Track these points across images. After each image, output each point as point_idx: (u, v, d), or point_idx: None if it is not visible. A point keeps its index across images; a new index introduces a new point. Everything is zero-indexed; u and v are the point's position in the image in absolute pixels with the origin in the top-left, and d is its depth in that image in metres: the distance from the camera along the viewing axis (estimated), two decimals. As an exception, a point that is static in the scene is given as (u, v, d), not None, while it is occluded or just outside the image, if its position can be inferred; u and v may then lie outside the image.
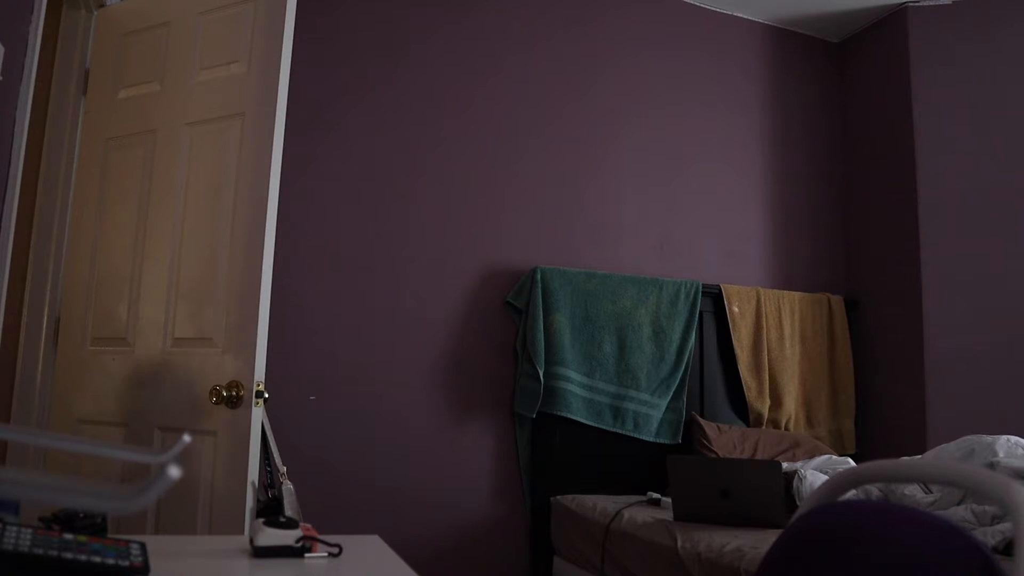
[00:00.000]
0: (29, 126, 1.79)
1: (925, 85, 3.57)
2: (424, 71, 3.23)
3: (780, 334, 3.53)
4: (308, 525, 1.14)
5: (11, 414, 2.21)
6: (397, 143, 3.14)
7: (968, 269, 3.40)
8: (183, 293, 2.07)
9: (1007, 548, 1.73)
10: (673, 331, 3.31)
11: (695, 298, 3.37)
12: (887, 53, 3.77)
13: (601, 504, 2.74)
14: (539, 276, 3.14)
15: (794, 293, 3.63)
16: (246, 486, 1.81)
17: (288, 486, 1.93)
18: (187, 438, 0.70)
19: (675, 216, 3.57)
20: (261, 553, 1.07)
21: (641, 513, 2.54)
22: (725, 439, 3.18)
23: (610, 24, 3.58)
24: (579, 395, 3.11)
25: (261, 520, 1.10)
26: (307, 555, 1.07)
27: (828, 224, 3.90)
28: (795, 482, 2.48)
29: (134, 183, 2.23)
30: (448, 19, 3.30)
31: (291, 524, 1.09)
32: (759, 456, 3.13)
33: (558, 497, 3.01)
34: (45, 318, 2.29)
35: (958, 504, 2.07)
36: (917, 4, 3.65)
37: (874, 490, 2.23)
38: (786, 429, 3.44)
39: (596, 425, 3.12)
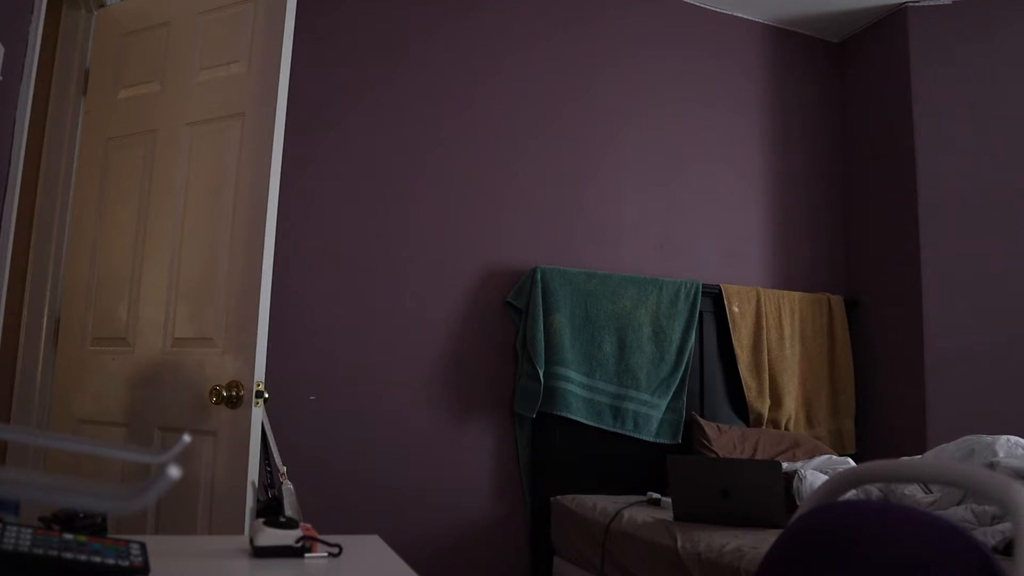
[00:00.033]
0: (29, 126, 1.79)
1: (925, 85, 3.57)
2: (424, 71, 3.23)
3: (780, 334, 3.53)
4: (308, 525, 1.14)
5: (11, 414, 2.21)
6: (397, 143, 3.14)
7: (968, 269, 3.40)
8: (183, 293, 2.07)
9: (1007, 548, 1.73)
10: (673, 331, 3.31)
11: (695, 298, 3.37)
12: (887, 53, 3.77)
13: (601, 504, 2.74)
14: (539, 276, 3.14)
15: (794, 293, 3.63)
16: (246, 486, 1.81)
17: (288, 486, 1.93)
18: (187, 438, 0.70)
19: (675, 216, 3.57)
20: (261, 553, 1.07)
21: (641, 513, 2.54)
22: (725, 439, 3.18)
23: (610, 24, 3.58)
24: (579, 395, 3.11)
25: (261, 520, 1.10)
26: (307, 555, 1.07)
27: (828, 224, 3.90)
28: (795, 482, 2.48)
29: (134, 183, 2.23)
30: (448, 19, 3.30)
31: (291, 524, 1.09)
32: (759, 456, 3.13)
33: (558, 497, 3.01)
34: (45, 318, 2.29)
35: (958, 504, 2.07)
36: (917, 4, 3.65)
37: (874, 490, 2.23)
38: (786, 429, 3.44)
39: (596, 425, 3.12)
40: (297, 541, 1.08)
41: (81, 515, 1.00)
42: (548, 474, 3.08)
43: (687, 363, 3.30)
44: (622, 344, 3.22)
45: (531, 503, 3.09)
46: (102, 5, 2.45)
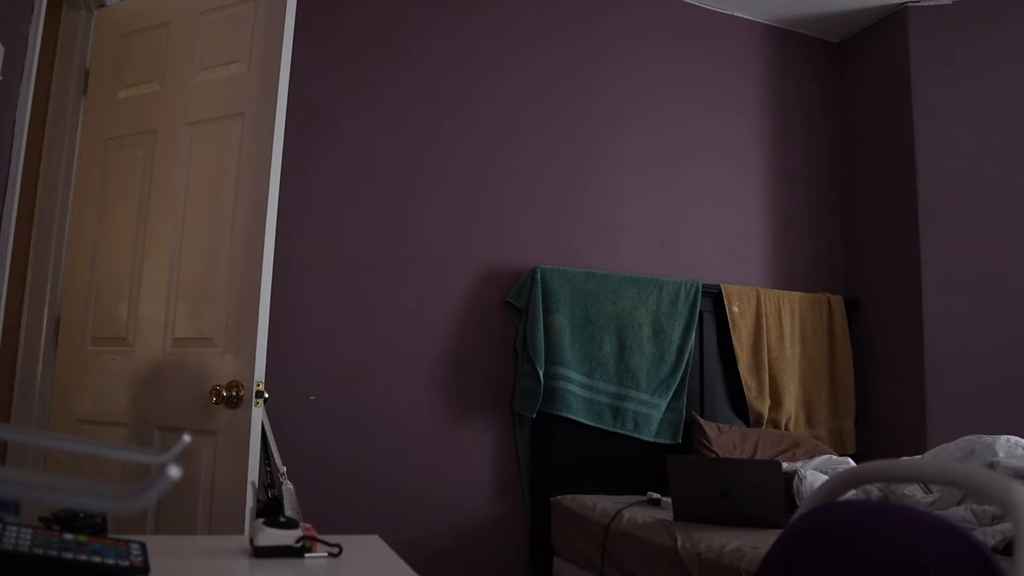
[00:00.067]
0: (29, 126, 1.79)
1: (925, 85, 3.57)
2: (424, 71, 3.23)
3: (780, 334, 3.53)
4: (308, 525, 1.13)
5: (11, 414, 2.21)
6: (397, 143, 3.14)
7: (968, 269, 3.40)
8: (183, 293, 2.07)
9: (1007, 548, 1.73)
10: (673, 331, 3.31)
11: (695, 298, 3.37)
12: (887, 53, 3.77)
13: (601, 504, 2.74)
14: (539, 276, 3.14)
15: (794, 293, 3.63)
16: (246, 486, 1.81)
17: (288, 486, 1.93)
18: (187, 438, 0.70)
19: (675, 216, 3.57)
20: (261, 553, 1.07)
21: (641, 513, 2.54)
22: (725, 439, 3.18)
23: (610, 24, 3.58)
24: (579, 395, 3.11)
25: (261, 520, 1.10)
26: (307, 555, 1.07)
27: (828, 224, 3.90)
28: (795, 482, 2.48)
29: (134, 183, 2.23)
30: (448, 19, 3.30)
31: (291, 524, 1.09)
32: (759, 456, 3.13)
33: (558, 497, 3.01)
34: (45, 318, 2.29)
35: (958, 504, 2.07)
36: (917, 4, 3.65)
37: (874, 490, 2.23)
38: (786, 429, 3.44)
39: (596, 425, 3.12)
40: (297, 541, 1.07)
41: (81, 515, 1.00)
42: (548, 474, 3.08)
43: (687, 363, 3.30)
44: (622, 344, 3.22)
45: (531, 503, 3.09)
46: (102, 5, 2.45)
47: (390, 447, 2.95)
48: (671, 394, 3.25)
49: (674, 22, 3.72)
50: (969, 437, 2.33)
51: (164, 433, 2.02)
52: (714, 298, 3.48)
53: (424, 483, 2.98)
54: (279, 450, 2.06)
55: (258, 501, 1.83)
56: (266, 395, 1.90)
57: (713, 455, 3.10)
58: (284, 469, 2.02)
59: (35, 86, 1.79)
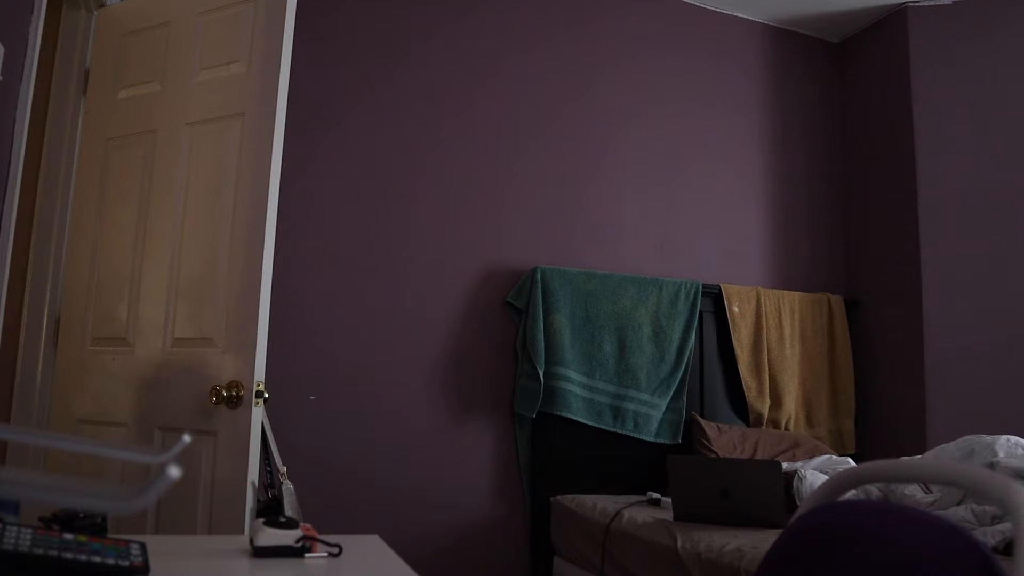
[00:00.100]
0: (29, 126, 1.79)
1: (925, 85, 3.58)
2: (424, 71, 3.23)
3: (780, 334, 3.53)
4: (308, 525, 1.13)
5: (11, 414, 2.21)
6: (397, 143, 3.14)
7: (968, 269, 3.40)
8: (183, 293, 2.07)
9: (1007, 548, 1.73)
10: (673, 331, 3.31)
11: (695, 298, 3.37)
12: (887, 53, 3.77)
13: (601, 504, 2.74)
14: (539, 276, 3.14)
15: (794, 293, 3.63)
16: (246, 486, 1.81)
17: (288, 486, 1.93)
18: (187, 438, 0.70)
19: (675, 216, 3.57)
20: (261, 553, 1.07)
21: (641, 513, 2.54)
22: (725, 439, 3.18)
23: (610, 24, 3.58)
24: (579, 395, 3.11)
25: (261, 520, 1.10)
26: (307, 555, 1.07)
27: (828, 224, 3.90)
28: (795, 482, 2.48)
29: (134, 183, 2.23)
30: (448, 19, 3.30)
31: (291, 524, 1.09)
32: (759, 456, 3.13)
33: (558, 497, 3.01)
34: (45, 318, 2.29)
35: (958, 504, 2.07)
36: (917, 4, 3.65)
37: (874, 490, 2.23)
38: (786, 429, 3.44)
39: (596, 425, 3.12)
40: (297, 541, 1.07)
41: (81, 515, 1.00)
42: (548, 474, 3.08)
43: (687, 363, 3.30)
44: (622, 344, 3.22)
45: (531, 503, 3.09)
46: (102, 5, 2.45)
47: (390, 447, 2.95)
48: (671, 394, 3.25)
49: (674, 22, 3.72)
50: (969, 437, 2.33)
51: (164, 433, 2.02)
52: (714, 298, 3.48)
53: (424, 483, 2.98)
54: (279, 450, 2.06)
55: (258, 501, 1.83)
56: (266, 395, 1.90)
57: (713, 455, 3.10)
58: (284, 469, 2.02)
59: (35, 86, 1.79)
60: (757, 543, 1.96)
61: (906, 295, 3.49)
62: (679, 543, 2.17)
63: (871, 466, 1.01)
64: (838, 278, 3.87)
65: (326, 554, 1.08)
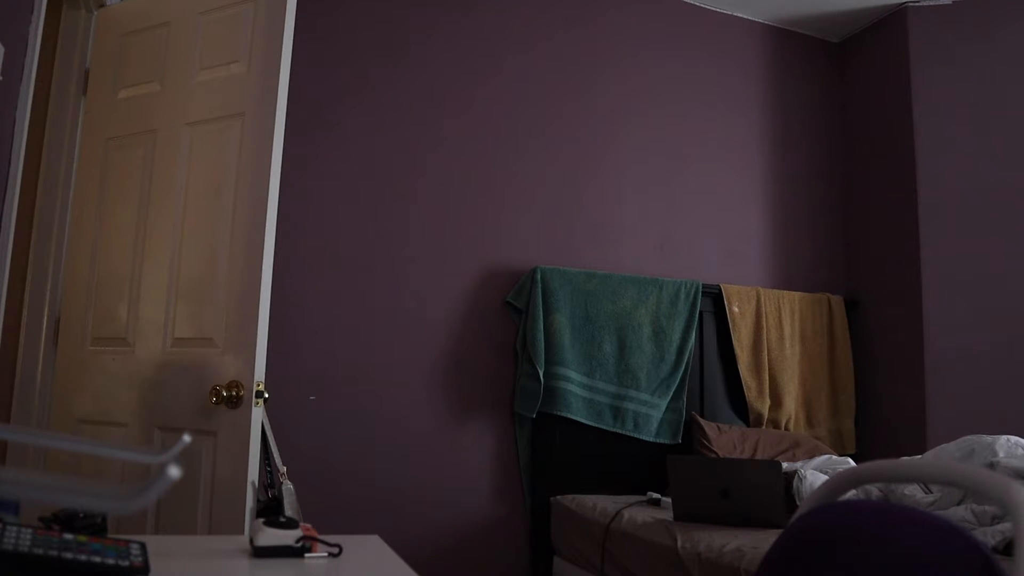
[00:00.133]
0: (29, 126, 1.79)
1: (925, 85, 3.58)
2: (424, 71, 3.23)
3: (780, 334, 3.53)
4: (308, 525, 1.13)
5: (11, 414, 2.21)
6: (397, 143, 3.14)
7: (968, 269, 3.40)
8: (183, 293, 2.07)
9: (1007, 548, 1.73)
10: (673, 331, 3.31)
11: (695, 298, 3.37)
12: (887, 53, 3.77)
13: (601, 504, 2.74)
14: (539, 276, 3.14)
15: (794, 293, 3.63)
16: (246, 486, 1.81)
17: (288, 486, 1.93)
18: (187, 438, 0.70)
19: (675, 216, 3.57)
20: (261, 553, 1.07)
21: (641, 513, 2.54)
22: (725, 439, 3.18)
23: (610, 24, 3.58)
24: (579, 395, 3.11)
25: (261, 520, 1.10)
26: (307, 555, 1.07)
27: (828, 224, 3.90)
28: (795, 482, 2.48)
29: (134, 183, 2.23)
30: (448, 19, 3.30)
31: (291, 524, 1.09)
32: (759, 456, 3.13)
33: (558, 497, 3.01)
34: (45, 318, 2.29)
35: (958, 504, 2.07)
36: (917, 4, 3.65)
37: (874, 490, 2.23)
38: (786, 429, 3.44)
39: (596, 425, 3.12)
40: (297, 541, 1.07)
41: (81, 515, 1.00)
42: (548, 474, 3.08)
43: (687, 363, 3.30)
44: (622, 344, 3.22)
45: (531, 503, 3.09)
46: (102, 5, 2.45)
47: (390, 447, 2.95)
48: (671, 394, 3.25)
49: (674, 22, 3.72)
50: (969, 437, 2.33)
51: (164, 433, 2.02)
52: (714, 298, 3.48)
53: (424, 483, 2.98)
54: (279, 450, 2.06)
55: (258, 501, 1.83)
56: (266, 395, 1.90)
57: (713, 455, 3.10)
58: (284, 469, 2.02)
59: (35, 86, 1.79)
60: (757, 543, 1.96)
61: (906, 295, 3.49)
62: (679, 543, 2.17)
63: (871, 466, 1.01)
64: (838, 278, 3.87)
65: (326, 554, 1.08)
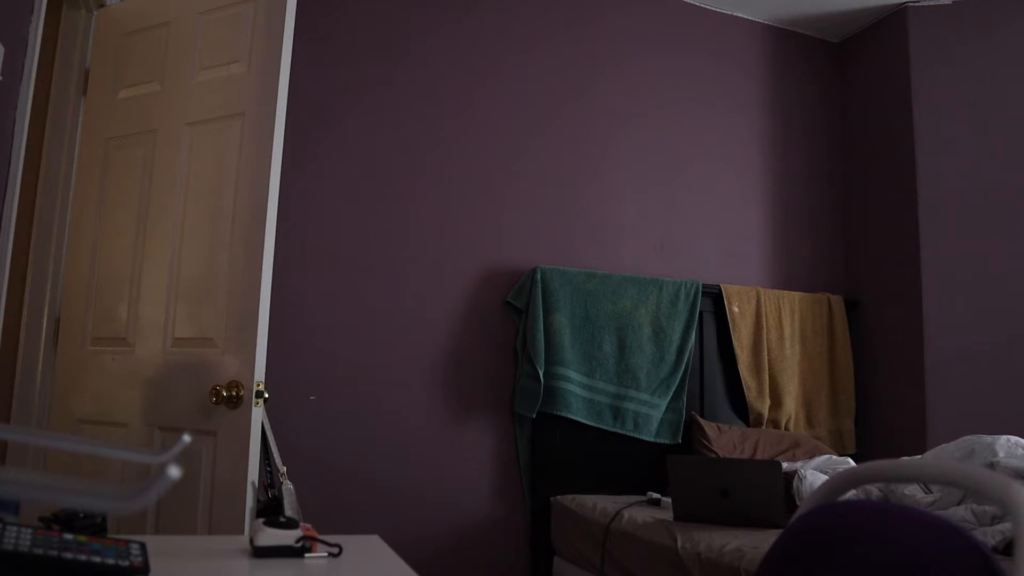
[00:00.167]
0: (29, 126, 1.79)
1: (925, 85, 3.58)
2: (424, 71, 3.23)
3: (780, 334, 3.53)
4: (308, 525, 1.13)
5: (11, 414, 2.21)
6: (397, 143, 3.14)
7: (968, 269, 3.40)
8: (183, 293, 2.07)
9: (1007, 548, 1.73)
10: (673, 331, 3.31)
11: (695, 298, 3.37)
12: (887, 53, 3.77)
13: (601, 504, 2.74)
14: (539, 276, 3.14)
15: (794, 293, 3.63)
16: (246, 486, 1.81)
17: (288, 486, 1.93)
18: (187, 438, 0.70)
19: (675, 216, 3.57)
20: (261, 553, 1.07)
21: (641, 513, 2.54)
22: (725, 439, 3.18)
23: (610, 24, 3.58)
24: (579, 395, 3.11)
25: (261, 520, 1.10)
26: (307, 555, 1.07)
27: (828, 224, 3.91)
28: (795, 482, 2.48)
29: (134, 183, 2.23)
30: (448, 19, 3.30)
31: (291, 524, 1.09)
32: (759, 456, 3.13)
33: (558, 497, 3.01)
34: (45, 318, 2.29)
35: (958, 504, 2.07)
36: (917, 4, 3.65)
37: (874, 490, 2.23)
38: (786, 429, 3.44)
39: (596, 425, 3.12)
40: (297, 541, 1.07)
41: (81, 515, 1.00)
42: (548, 474, 3.08)
43: (687, 363, 3.30)
44: (622, 344, 3.22)
45: (531, 503, 3.09)
46: (102, 5, 2.45)
47: (390, 447, 2.95)
48: (671, 394, 3.25)
49: (674, 22, 3.72)
50: (969, 437, 2.33)
51: (164, 433, 2.02)
52: (714, 298, 3.48)
53: (424, 483, 2.98)
54: (279, 450, 2.06)
55: (258, 501, 1.83)
56: (266, 395, 1.90)
57: (713, 455, 3.10)
58: (284, 469, 2.02)
59: (35, 86, 1.79)
60: (757, 543, 1.96)
61: (906, 295, 3.49)
62: (679, 543, 2.17)
63: (871, 466, 1.01)
64: (838, 278, 3.87)
65: (326, 554, 1.08)
